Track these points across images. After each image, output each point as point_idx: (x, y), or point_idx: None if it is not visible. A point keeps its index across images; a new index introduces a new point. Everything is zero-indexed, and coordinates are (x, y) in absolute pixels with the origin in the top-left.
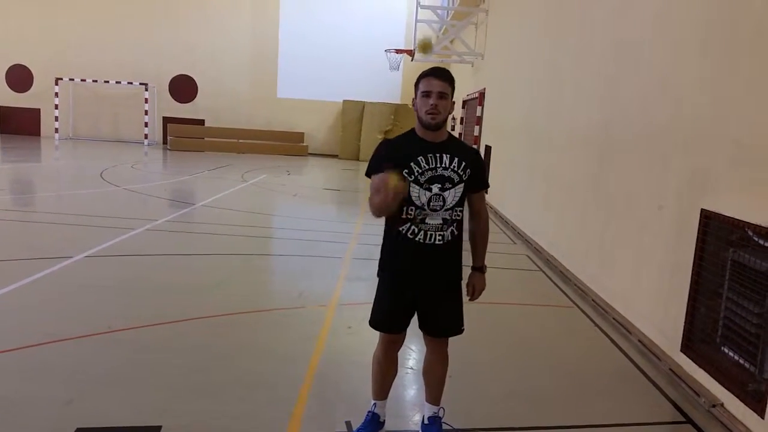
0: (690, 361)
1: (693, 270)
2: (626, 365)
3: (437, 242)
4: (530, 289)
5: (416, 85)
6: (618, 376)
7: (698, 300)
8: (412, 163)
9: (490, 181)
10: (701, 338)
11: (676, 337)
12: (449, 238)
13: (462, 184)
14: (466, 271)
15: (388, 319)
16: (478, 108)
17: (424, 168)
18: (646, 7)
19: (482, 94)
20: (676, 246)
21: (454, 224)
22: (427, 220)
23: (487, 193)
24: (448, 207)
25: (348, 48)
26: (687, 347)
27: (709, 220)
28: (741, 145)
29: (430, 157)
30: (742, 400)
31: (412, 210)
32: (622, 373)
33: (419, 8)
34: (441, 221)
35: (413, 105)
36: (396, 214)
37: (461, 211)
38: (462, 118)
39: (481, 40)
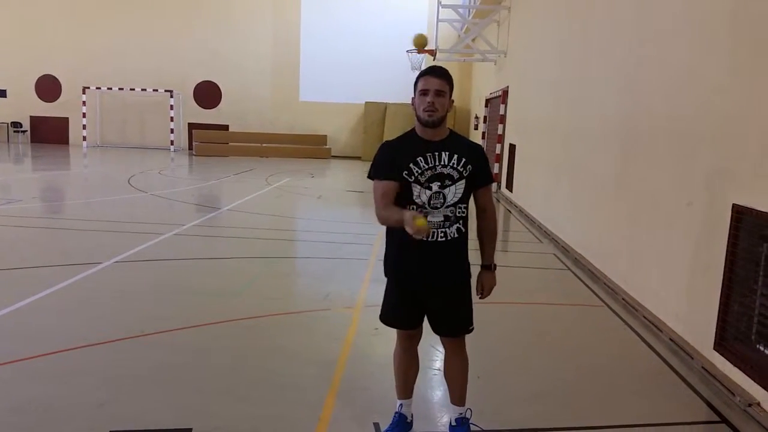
0: (724, 359)
1: (725, 266)
2: (658, 364)
3: (440, 239)
4: (559, 288)
5: (415, 84)
6: (649, 375)
7: (731, 297)
8: (411, 164)
9: (515, 180)
10: (735, 336)
11: (708, 335)
12: (454, 235)
13: (463, 181)
14: (476, 270)
15: (397, 315)
16: (502, 106)
17: (423, 168)
18: None
19: (506, 92)
20: (706, 242)
21: (459, 221)
22: (429, 218)
23: (509, 188)
24: (449, 204)
25: (369, 49)
26: (720, 345)
27: (741, 216)
28: None
29: (429, 156)
30: None
31: (413, 208)
32: (653, 372)
33: (440, 7)
34: (443, 218)
35: (412, 103)
36: None
37: (465, 208)
38: (485, 117)
39: (504, 38)
